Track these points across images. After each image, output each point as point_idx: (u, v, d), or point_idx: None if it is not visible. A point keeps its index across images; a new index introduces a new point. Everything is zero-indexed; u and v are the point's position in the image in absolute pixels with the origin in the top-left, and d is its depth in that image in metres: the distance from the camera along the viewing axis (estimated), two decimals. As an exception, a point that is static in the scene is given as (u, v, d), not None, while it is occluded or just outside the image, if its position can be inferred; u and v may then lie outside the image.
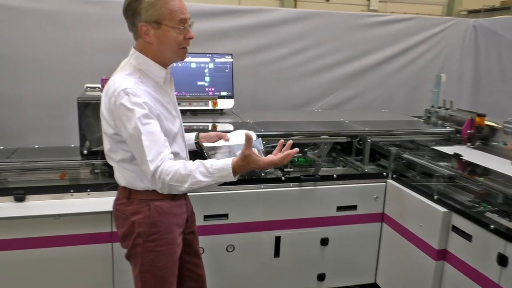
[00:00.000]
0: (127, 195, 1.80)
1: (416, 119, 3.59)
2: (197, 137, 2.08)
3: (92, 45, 3.31)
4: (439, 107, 3.41)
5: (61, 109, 3.23)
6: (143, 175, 1.73)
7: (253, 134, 2.03)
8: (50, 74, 3.27)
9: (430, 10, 8.97)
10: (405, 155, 2.82)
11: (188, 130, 2.06)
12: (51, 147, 2.99)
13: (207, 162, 1.70)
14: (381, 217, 2.88)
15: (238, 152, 1.82)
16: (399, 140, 3.10)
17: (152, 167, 1.64)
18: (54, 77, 3.27)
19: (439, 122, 3.36)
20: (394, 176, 2.84)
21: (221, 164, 1.69)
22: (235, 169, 1.69)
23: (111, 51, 3.12)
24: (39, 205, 2.34)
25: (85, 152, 2.57)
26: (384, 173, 2.86)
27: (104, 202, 2.23)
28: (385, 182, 2.84)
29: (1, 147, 2.85)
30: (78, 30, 3.28)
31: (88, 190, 2.45)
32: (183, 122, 1.95)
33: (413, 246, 2.57)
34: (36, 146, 2.96)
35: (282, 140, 1.84)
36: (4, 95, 3.23)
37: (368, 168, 2.94)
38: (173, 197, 1.81)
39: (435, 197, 2.45)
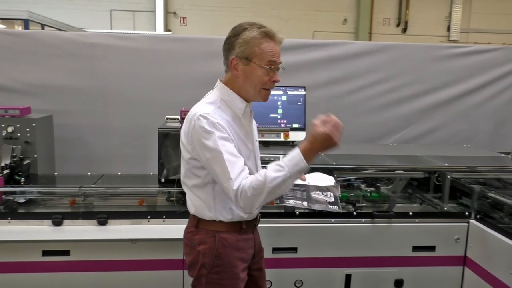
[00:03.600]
0: (196, 224, 1.85)
1: (503, 155, 3.32)
2: None
3: (173, 80, 3.52)
4: (530, 143, 3.15)
5: (143, 139, 3.44)
6: (212, 204, 1.78)
7: (331, 179, 1.99)
8: (135, 107, 3.52)
9: (518, 39, 8.44)
10: (490, 194, 2.61)
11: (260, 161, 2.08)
12: (133, 174, 3.19)
13: (276, 161, 1.70)
14: (463, 261, 2.67)
15: (312, 193, 1.80)
16: (483, 177, 2.88)
17: (235, 185, 1.66)
18: (138, 109, 3.51)
19: (530, 159, 3.10)
20: (478, 216, 2.63)
21: (289, 156, 1.69)
22: (305, 153, 1.67)
23: (191, 85, 3.31)
24: (119, 229, 2.48)
25: (163, 180, 2.71)
26: (466, 213, 2.66)
27: (178, 229, 2.26)
28: (468, 222, 2.64)
29: (89, 173, 3.08)
30: (161, 66, 3.52)
31: (164, 217, 2.54)
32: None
33: (501, 295, 2.34)
34: (119, 173, 3.16)
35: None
36: (94, 126, 3.52)
37: (448, 207, 2.76)
38: (240, 230, 1.83)
39: (526, 242, 2.23)
